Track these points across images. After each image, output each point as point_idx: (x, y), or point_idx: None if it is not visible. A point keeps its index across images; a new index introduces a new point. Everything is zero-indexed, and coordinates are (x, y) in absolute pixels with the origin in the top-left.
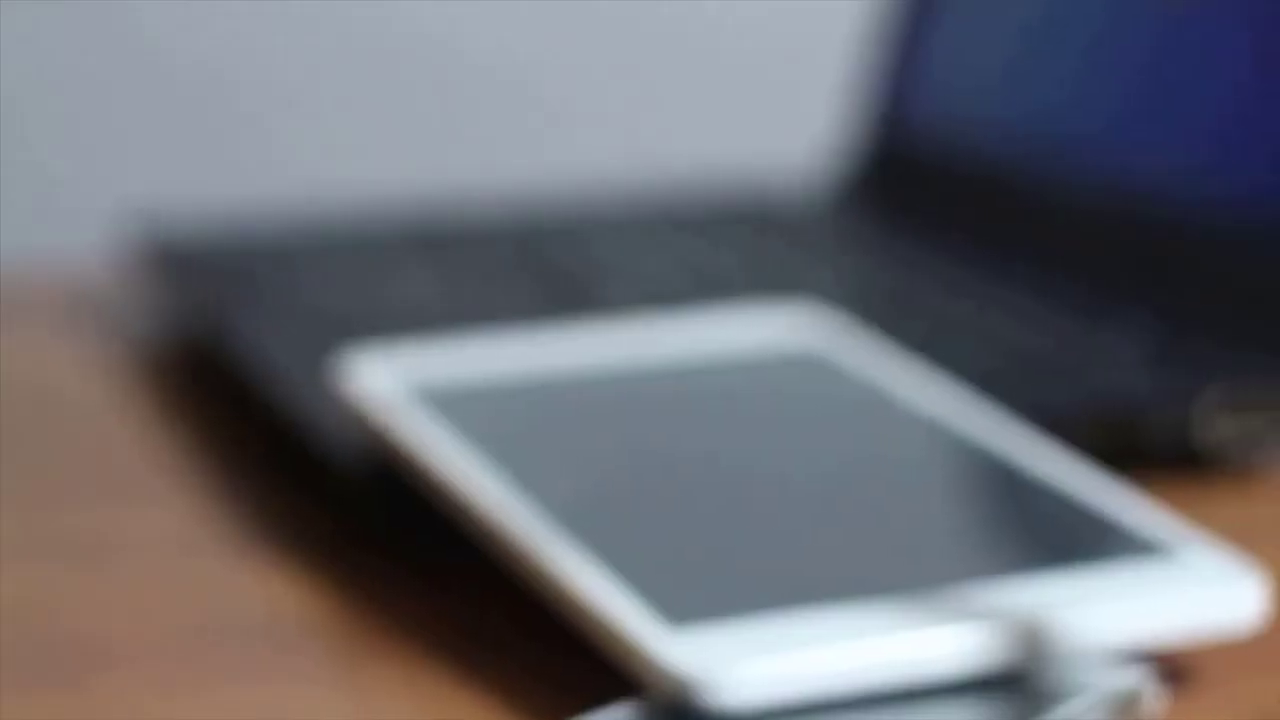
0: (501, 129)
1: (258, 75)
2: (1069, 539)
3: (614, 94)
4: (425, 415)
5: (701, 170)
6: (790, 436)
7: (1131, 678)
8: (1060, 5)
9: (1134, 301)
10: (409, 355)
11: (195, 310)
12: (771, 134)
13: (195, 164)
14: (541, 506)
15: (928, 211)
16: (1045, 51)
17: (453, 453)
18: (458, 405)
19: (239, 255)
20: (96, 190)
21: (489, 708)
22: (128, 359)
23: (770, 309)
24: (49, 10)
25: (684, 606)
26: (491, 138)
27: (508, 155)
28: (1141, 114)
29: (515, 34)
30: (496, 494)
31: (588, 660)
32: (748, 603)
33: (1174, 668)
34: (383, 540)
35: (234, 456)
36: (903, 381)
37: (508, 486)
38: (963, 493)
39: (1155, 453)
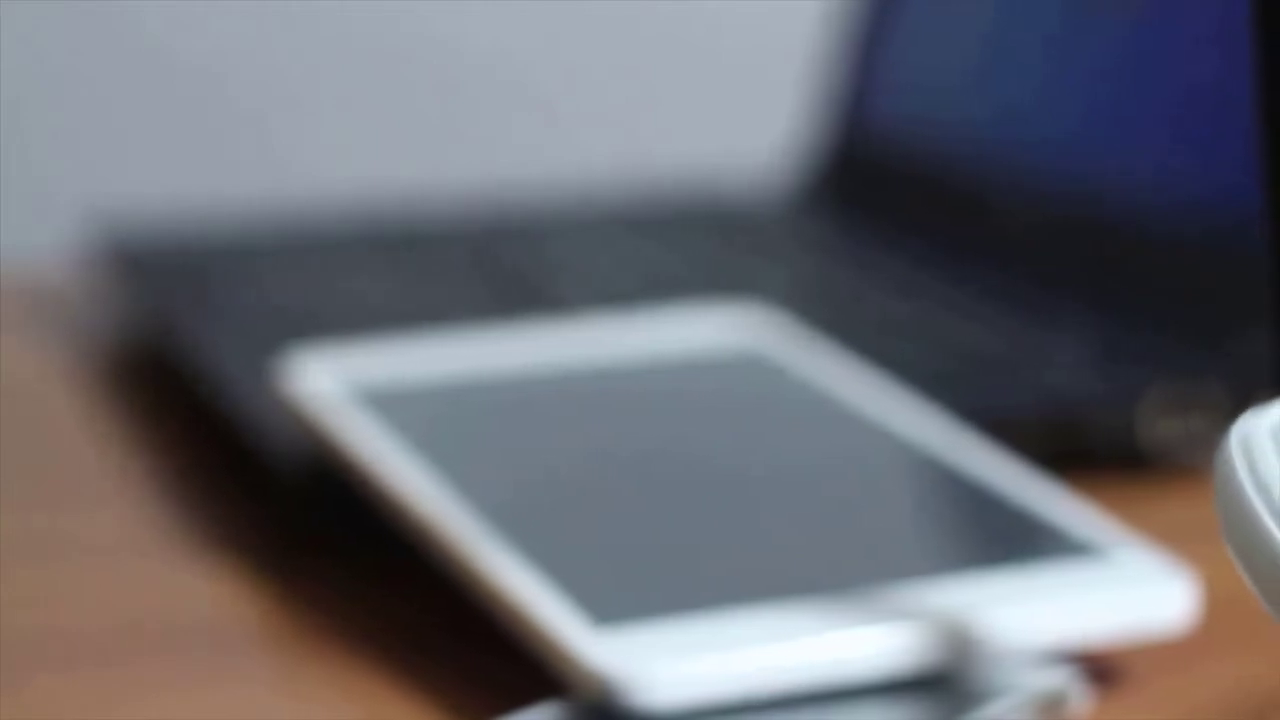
0: (470, 129)
1: (233, 74)
2: (1001, 539)
3: (576, 95)
4: (363, 415)
5: (663, 170)
6: (728, 437)
7: (1057, 678)
8: (1018, 9)
9: (1084, 303)
10: (351, 356)
11: (149, 311)
12: (733, 134)
13: (167, 163)
14: (474, 506)
15: (886, 212)
16: (1003, 54)
17: (388, 453)
18: (397, 405)
19: (198, 255)
20: (62, 190)
21: (421, 708)
22: (84, 360)
23: (714, 310)
24: (10, 10)
25: (611, 607)
26: (457, 138)
27: (472, 155)
28: (1095, 117)
29: (487, 34)
30: (429, 494)
31: (523, 660)
32: (676, 603)
33: (1104, 668)
34: (324, 541)
35: (183, 458)
36: (843, 382)
37: (441, 486)
38: (898, 493)
39: (1100, 452)
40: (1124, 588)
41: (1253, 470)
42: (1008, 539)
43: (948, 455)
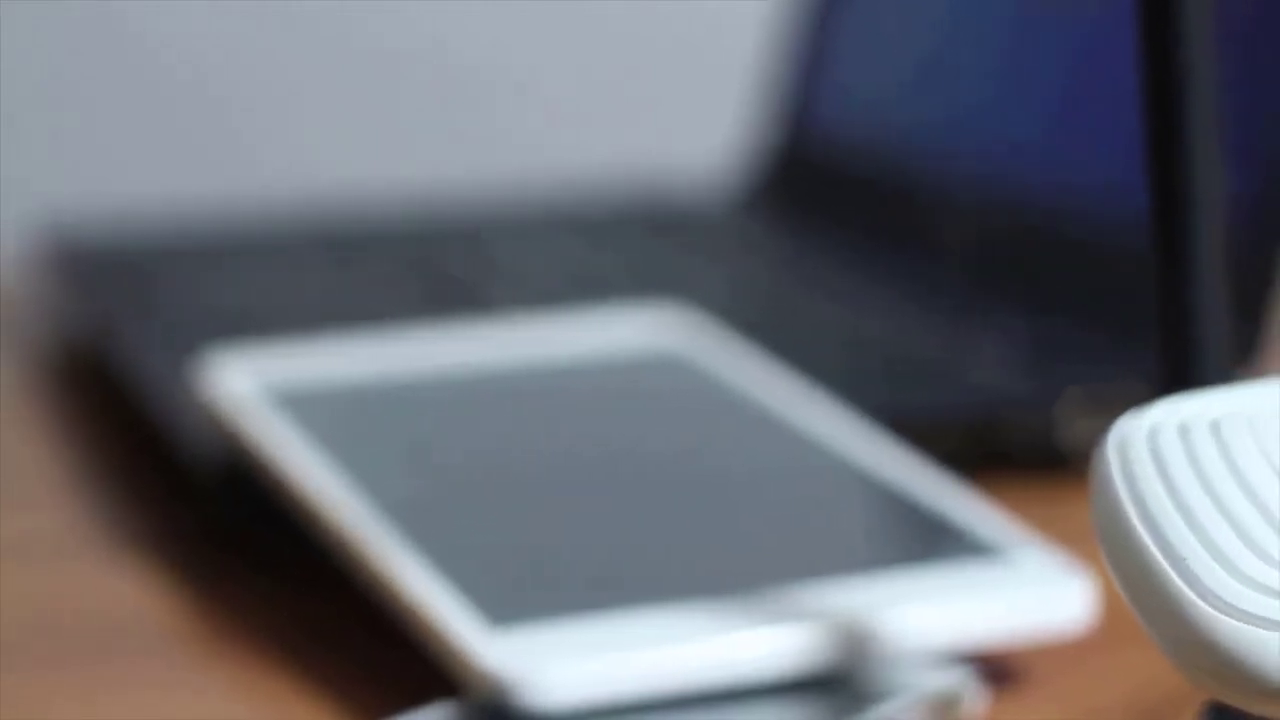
0: (418, 131)
1: (194, 73)
2: (904, 540)
3: (523, 97)
4: (276, 416)
5: (609, 171)
6: (641, 438)
7: (951, 678)
8: (960, 15)
9: (1014, 305)
10: (269, 356)
11: (87, 311)
12: (680, 136)
13: (122, 163)
14: (378, 506)
15: (828, 215)
16: (943, 60)
17: (296, 453)
18: (311, 406)
19: (140, 256)
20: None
21: (328, 707)
22: (21, 362)
23: (637, 311)
24: None
25: (508, 607)
26: (406, 139)
27: (421, 157)
28: (1033, 122)
29: (435, 36)
30: (333, 494)
31: (429, 661)
32: (574, 603)
33: (1003, 668)
34: (241, 541)
35: (109, 458)
36: (761, 383)
37: (346, 487)
38: (805, 494)
39: (1018, 454)
40: (1023, 588)
41: (1127, 474)
42: (911, 540)
43: (858, 457)
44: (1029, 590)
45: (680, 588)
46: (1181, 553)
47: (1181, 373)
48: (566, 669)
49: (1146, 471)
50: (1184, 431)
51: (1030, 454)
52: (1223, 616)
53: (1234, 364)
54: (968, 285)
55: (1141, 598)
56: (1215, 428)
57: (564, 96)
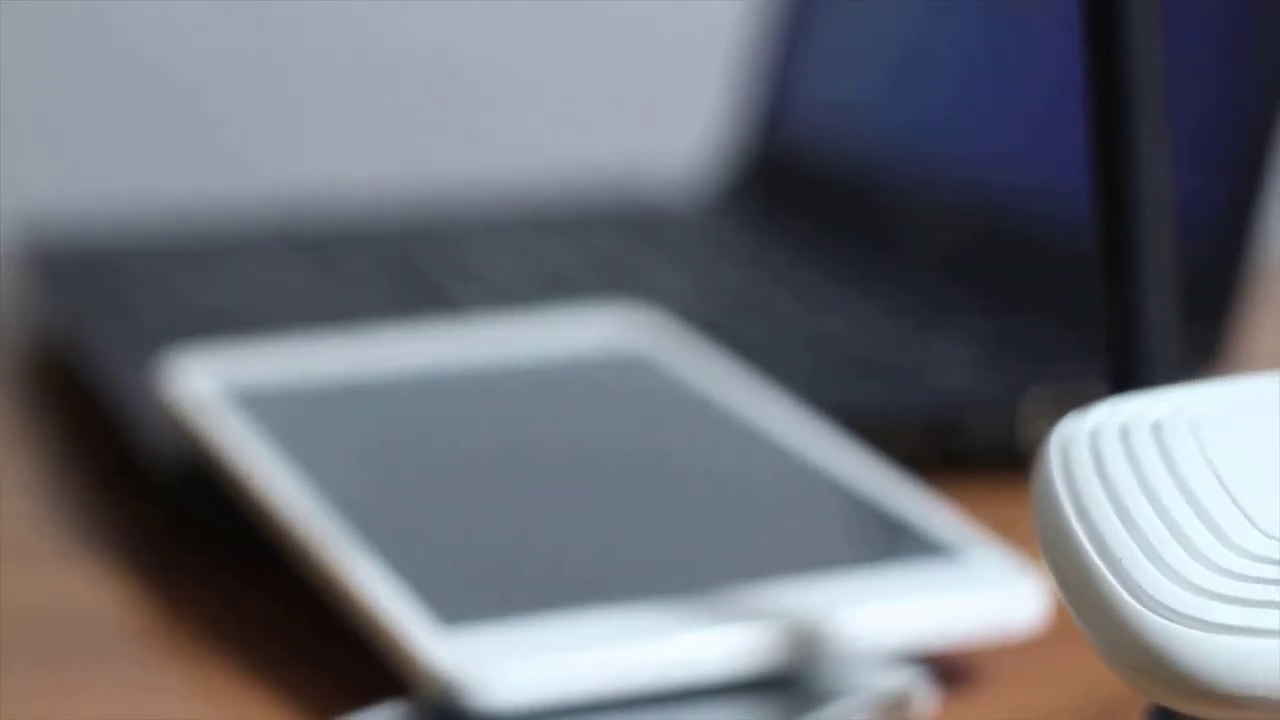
0: (396, 130)
1: (170, 74)
2: (857, 540)
3: (500, 97)
4: (236, 416)
5: (585, 172)
6: (600, 437)
7: (902, 678)
8: (934, 19)
9: (981, 307)
10: (232, 356)
11: (59, 310)
12: (656, 136)
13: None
14: (333, 507)
15: (800, 216)
16: (916, 63)
17: (254, 454)
18: (271, 406)
19: (116, 255)
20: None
21: (280, 707)
22: None
23: (600, 311)
24: None
25: (459, 607)
26: (385, 139)
27: (397, 156)
28: (1002, 124)
29: (412, 35)
30: (288, 494)
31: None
32: (526, 603)
33: (956, 668)
34: (201, 541)
35: (75, 459)
36: (720, 384)
37: (303, 487)
38: (760, 494)
39: (980, 454)
40: (976, 588)
41: (1067, 475)
42: (865, 540)
43: (815, 457)
44: (982, 590)
45: (634, 587)
46: (1117, 553)
47: (1127, 373)
48: (516, 668)
49: (1086, 472)
50: (1125, 432)
51: (992, 454)
52: (1155, 616)
53: (1196, 364)
54: (934, 286)
55: (1076, 597)
56: (1157, 429)
57: (539, 97)
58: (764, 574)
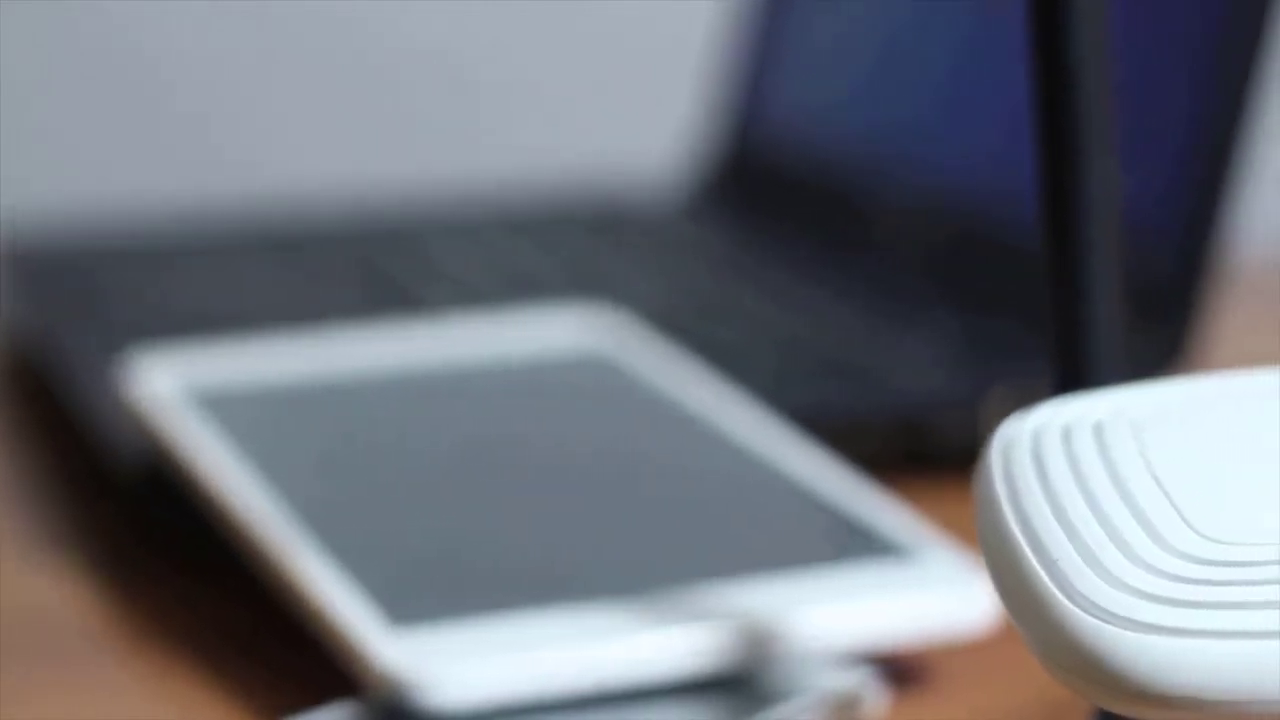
0: (375, 130)
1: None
2: (812, 540)
3: (476, 97)
4: (195, 417)
5: (558, 172)
6: (559, 438)
7: (852, 678)
8: (904, 22)
9: (950, 307)
10: (194, 357)
11: (30, 310)
12: (628, 137)
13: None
14: (288, 507)
15: (773, 216)
16: (889, 65)
17: (211, 455)
18: (232, 407)
19: (83, 256)
20: None
21: (233, 708)
22: None
23: (564, 311)
24: None
25: (410, 607)
26: (365, 139)
27: (375, 156)
28: (975, 126)
29: (398, 35)
30: (244, 495)
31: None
32: (477, 603)
33: (909, 668)
34: (162, 542)
35: (40, 459)
36: (681, 384)
37: (258, 487)
38: (716, 494)
39: (944, 454)
40: (929, 588)
41: (1007, 475)
42: (820, 540)
43: (773, 458)
44: (935, 590)
45: (586, 588)
46: (1053, 554)
47: (1073, 374)
48: (466, 669)
49: (1026, 473)
50: (1067, 434)
51: (957, 454)
52: (1088, 616)
53: (1159, 365)
54: (904, 286)
55: (1012, 598)
56: (1098, 430)
57: (512, 98)
58: (717, 574)
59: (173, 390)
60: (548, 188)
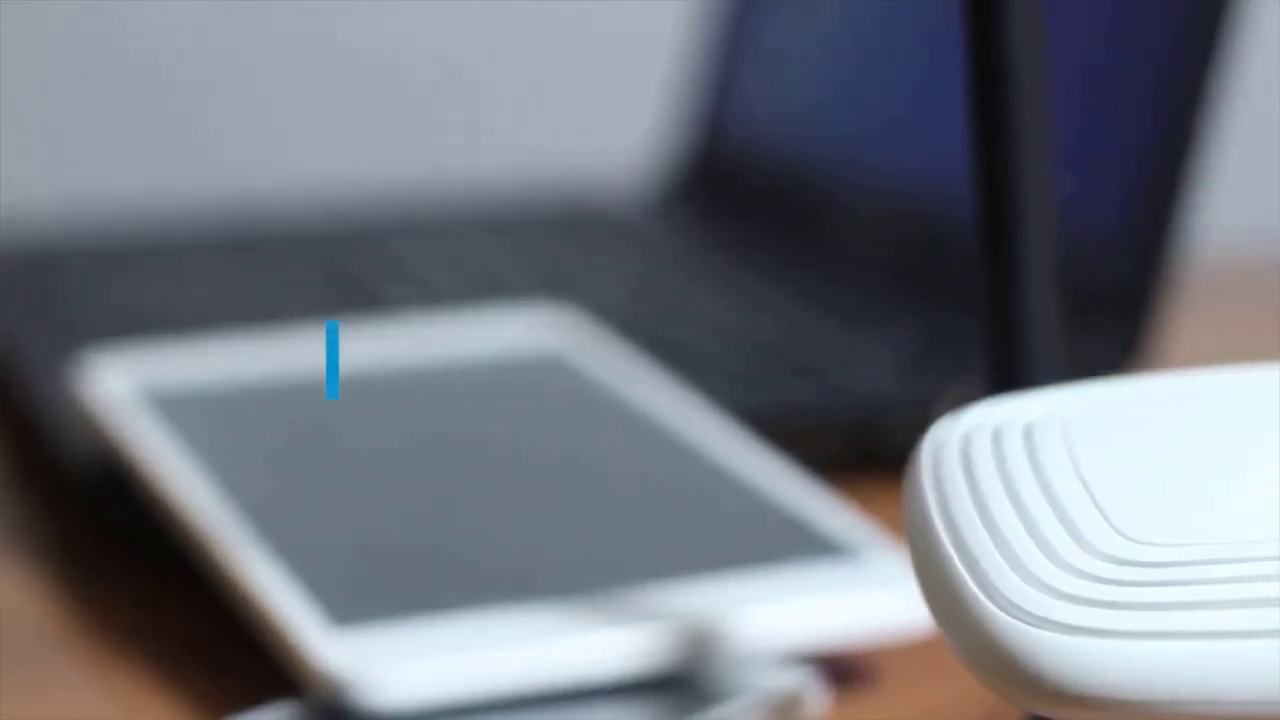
0: (346, 130)
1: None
2: (757, 541)
3: (448, 96)
4: (147, 418)
5: (528, 173)
6: (509, 437)
7: (793, 678)
8: (872, 24)
9: (914, 308)
10: (149, 358)
11: None
12: (598, 137)
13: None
14: (237, 508)
15: (742, 217)
16: (858, 67)
17: (162, 455)
18: (185, 408)
19: (47, 256)
20: None
21: (177, 707)
22: None
23: (520, 312)
24: None
25: (353, 607)
26: (336, 138)
27: (346, 156)
28: (941, 129)
29: (369, 35)
30: (193, 495)
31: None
32: (420, 603)
33: (852, 668)
34: (116, 543)
35: None
36: (635, 384)
37: (208, 488)
38: (664, 495)
39: (901, 455)
40: (872, 588)
41: (936, 477)
42: (765, 540)
43: (723, 458)
44: (879, 590)
45: (530, 588)
46: (975, 554)
47: (1009, 375)
48: (406, 669)
49: (954, 474)
50: (997, 435)
51: (910, 455)
52: (1006, 617)
53: (1117, 364)
54: (869, 287)
55: (934, 598)
56: (1028, 431)
57: (483, 99)
58: (662, 574)
59: (126, 391)
60: (517, 188)
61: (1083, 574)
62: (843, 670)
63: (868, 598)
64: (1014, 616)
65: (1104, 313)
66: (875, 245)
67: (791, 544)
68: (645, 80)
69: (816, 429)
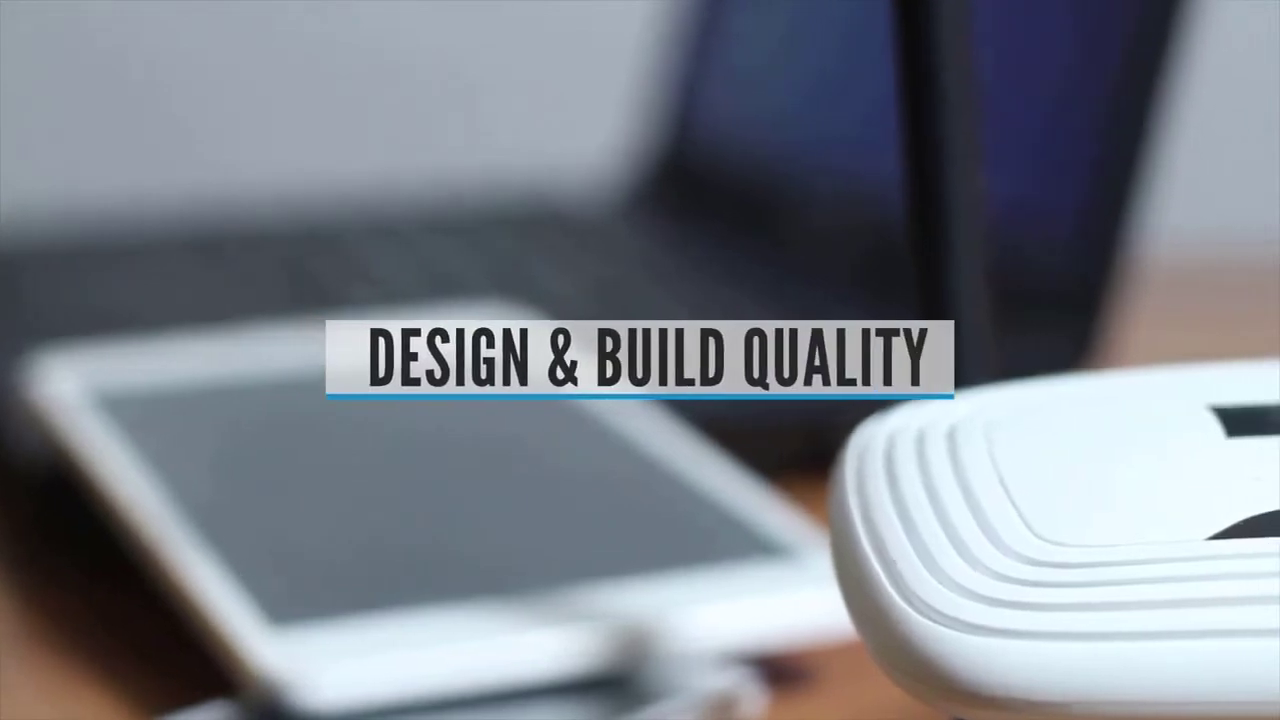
0: (312, 131)
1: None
2: (696, 541)
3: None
4: (94, 418)
5: (495, 173)
6: (452, 437)
7: (729, 679)
8: (840, 27)
9: (873, 310)
10: (100, 358)
11: None
12: (567, 138)
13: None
14: (179, 508)
15: (706, 218)
16: (824, 70)
17: (107, 456)
18: (132, 408)
19: (12, 255)
20: None
21: (117, 707)
22: None
23: (470, 310)
24: None
25: (290, 607)
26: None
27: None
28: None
29: (336, 35)
30: (135, 495)
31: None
32: (358, 604)
33: (791, 668)
34: (64, 544)
35: None
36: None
37: (151, 488)
38: (605, 495)
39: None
40: (809, 589)
41: (859, 478)
42: (704, 540)
43: (665, 457)
44: (816, 590)
45: (470, 588)
46: (893, 555)
47: None
48: (341, 669)
49: (876, 475)
50: (921, 436)
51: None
52: (919, 617)
53: (1070, 363)
54: (829, 290)
55: (852, 599)
56: (951, 432)
57: (449, 98)
58: (602, 574)
59: (76, 392)
60: (481, 188)
61: (996, 574)
62: (781, 670)
63: (806, 598)
64: (927, 617)
65: (1057, 311)
66: (838, 248)
67: (732, 544)
68: (613, 81)
69: (767, 431)
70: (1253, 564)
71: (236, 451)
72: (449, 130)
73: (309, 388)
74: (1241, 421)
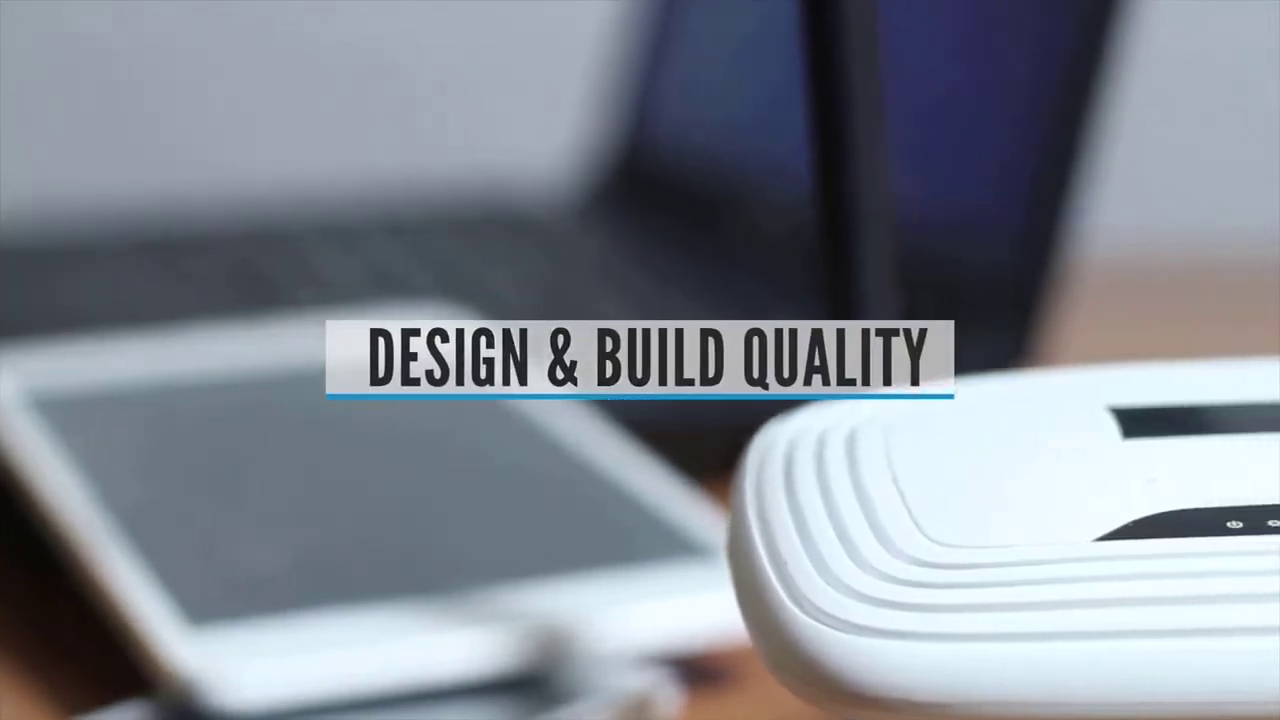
0: (277, 132)
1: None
2: (619, 542)
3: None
4: (28, 419)
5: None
6: (383, 438)
7: (645, 679)
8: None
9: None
10: (41, 359)
11: None
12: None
13: None
14: (106, 509)
15: (662, 220)
16: (784, 70)
17: (37, 456)
18: (68, 410)
19: None
20: None
21: (39, 706)
22: None
23: (408, 311)
24: None
25: (208, 607)
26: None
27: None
28: None
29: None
30: (61, 495)
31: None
32: (279, 604)
33: (710, 668)
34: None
35: None
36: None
37: (79, 489)
38: (531, 495)
39: None
40: (728, 589)
41: (757, 479)
42: (626, 541)
43: (592, 459)
44: None
45: (390, 587)
46: (784, 557)
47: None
48: (257, 669)
49: (774, 477)
50: (822, 438)
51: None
52: (806, 619)
53: (1005, 365)
54: (780, 292)
55: (743, 600)
56: (852, 434)
57: (405, 99)
58: (523, 574)
59: (10, 393)
60: (437, 189)
61: (885, 576)
62: (699, 670)
63: (725, 598)
64: (813, 618)
65: (994, 312)
66: (790, 249)
67: (655, 545)
68: (569, 82)
69: (712, 432)
70: (1139, 565)
71: (169, 452)
72: (406, 131)
73: (247, 388)
74: (1139, 422)
